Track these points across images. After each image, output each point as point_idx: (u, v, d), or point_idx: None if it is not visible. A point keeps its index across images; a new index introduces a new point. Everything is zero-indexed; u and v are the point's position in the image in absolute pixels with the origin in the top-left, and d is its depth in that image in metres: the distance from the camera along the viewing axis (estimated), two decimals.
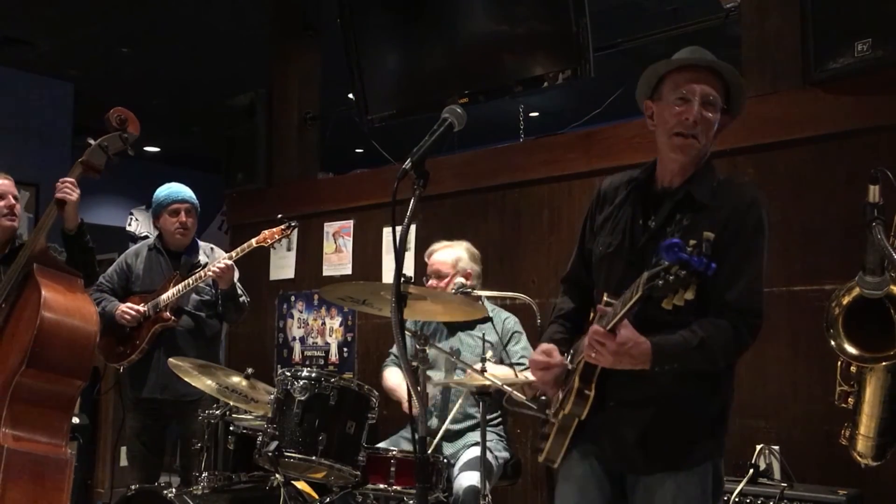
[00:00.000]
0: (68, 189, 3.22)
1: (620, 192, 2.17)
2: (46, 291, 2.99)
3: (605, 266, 2.14)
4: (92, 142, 3.27)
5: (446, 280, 3.49)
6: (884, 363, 2.32)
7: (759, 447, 3.22)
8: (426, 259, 3.62)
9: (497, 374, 2.97)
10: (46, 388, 2.95)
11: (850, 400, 2.48)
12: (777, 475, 3.18)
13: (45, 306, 2.95)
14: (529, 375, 3.03)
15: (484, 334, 3.32)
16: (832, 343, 2.37)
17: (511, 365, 3.35)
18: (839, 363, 2.46)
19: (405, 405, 3.06)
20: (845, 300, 2.37)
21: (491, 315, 3.49)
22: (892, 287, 2.24)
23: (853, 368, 2.43)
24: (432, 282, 3.52)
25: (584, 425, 2.10)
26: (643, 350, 1.88)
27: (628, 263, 2.06)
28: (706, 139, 2.05)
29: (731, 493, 2.93)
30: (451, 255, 3.55)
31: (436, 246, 3.63)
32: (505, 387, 2.95)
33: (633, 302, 1.81)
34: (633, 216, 2.11)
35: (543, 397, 2.24)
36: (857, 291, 2.35)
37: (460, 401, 3.34)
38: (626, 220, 2.11)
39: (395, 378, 3.58)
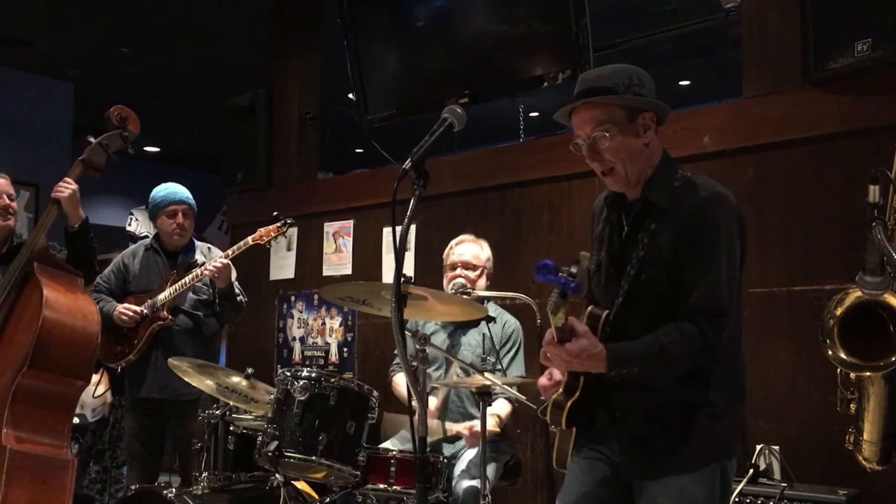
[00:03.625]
0: (61, 186, 3.20)
1: (605, 209, 2.23)
2: (48, 291, 2.96)
3: (595, 281, 2.20)
4: (92, 140, 3.25)
5: (477, 273, 3.48)
6: (880, 372, 2.33)
7: (759, 447, 3.22)
8: (452, 249, 3.58)
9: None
10: (48, 389, 2.92)
11: (852, 406, 2.48)
12: (777, 475, 3.18)
13: (46, 306, 2.91)
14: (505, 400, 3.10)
15: (484, 335, 3.33)
16: (829, 353, 2.37)
17: (499, 371, 3.35)
18: (839, 370, 2.47)
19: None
20: (838, 311, 2.37)
21: (495, 315, 3.49)
22: (886, 296, 2.25)
23: (853, 376, 2.44)
24: (459, 271, 3.47)
25: (592, 430, 2.13)
26: (597, 357, 1.93)
27: (608, 275, 2.12)
28: (622, 159, 2.04)
29: (732, 494, 2.93)
30: (483, 251, 3.56)
31: (463, 237, 3.62)
32: (505, 388, 2.96)
33: (554, 319, 1.89)
34: (611, 230, 2.17)
35: (553, 429, 2.26)
36: (849, 301, 2.36)
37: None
38: (606, 236, 2.18)
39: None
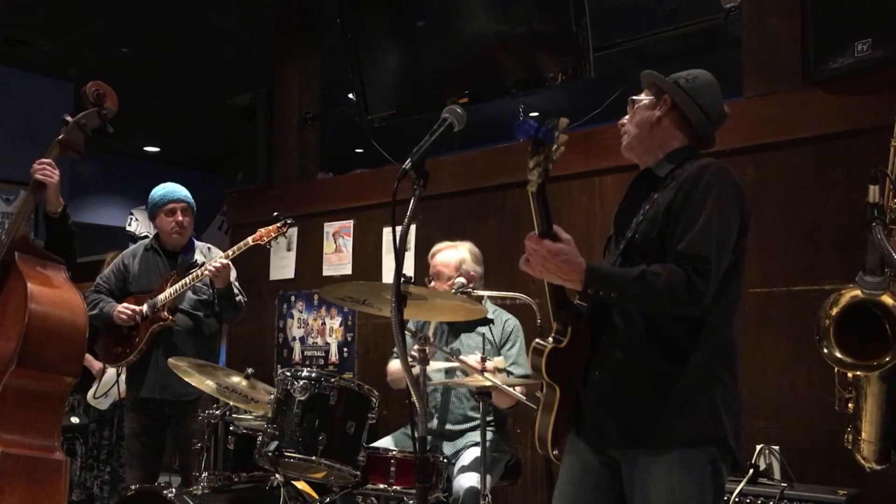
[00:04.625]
0: (48, 171, 3.07)
1: None
2: (32, 283, 2.78)
3: (606, 250, 2.28)
4: (69, 119, 3.12)
5: (448, 283, 3.45)
6: (876, 371, 2.33)
7: (759, 447, 3.22)
8: (429, 259, 3.59)
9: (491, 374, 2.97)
10: (36, 388, 2.77)
11: (850, 405, 2.48)
12: (777, 475, 3.18)
13: (32, 299, 2.74)
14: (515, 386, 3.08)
15: (484, 335, 3.32)
16: (825, 352, 2.38)
17: (503, 369, 3.35)
18: (836, 370, 2.47)
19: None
20: (834, 311, 2.38)
21: (492, 316, 3.49)
22: (882, 296, 2.25)
23: (850, 375, 2.44)
24: (434, 283, 3.49)
25: (569, 405, 2.12)
26: (576, 267, 1.95)
27: (616, 243, 2.19)
28: (632, 123, 2.24)
29: (731, 493, 2.93)
30: (455, 256, 3.51)
31: (439, 246, 3.59)
32: (504, 387, 2.96)
33: (530, 176, 1.94)
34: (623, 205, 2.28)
35: (538, 394, 2.25)
36: (844, 301, 2.36)
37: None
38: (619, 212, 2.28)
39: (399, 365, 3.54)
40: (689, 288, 1.92)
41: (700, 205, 2.00)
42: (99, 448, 5.19)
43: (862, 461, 2.52)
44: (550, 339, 2.12)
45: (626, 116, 2.28)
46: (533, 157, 1.90)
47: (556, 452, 2.17)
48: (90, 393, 4.81)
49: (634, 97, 2.27)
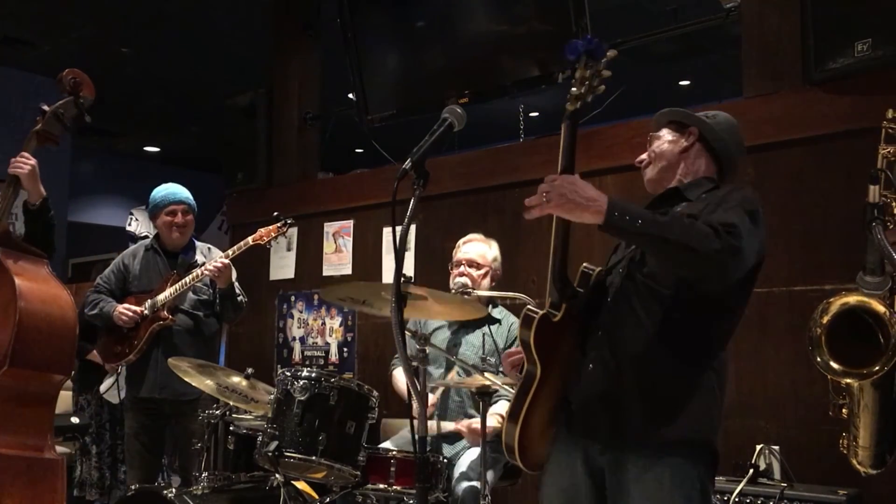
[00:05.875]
0: (18, 162, 3.03)
1: None
2: (20, 280, 2.70)
3: (613, 254, 2.28)
4: (46, 108, 3.06)
5: (482, 273, 3.47)
6: (867, 379, 2.33)
7: (759, 447, 3.22)
8: (461, 244, 3.57)
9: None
10: (29, 388, 2.71)
11: (844, 411, 2.48)
12: (777, 475, 3.18)
13: (21, 297, 2.65)
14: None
15: (486, 335, 3.32)
16: (818, 360, 2.37)
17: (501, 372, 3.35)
18: (830, 377, 2.47)
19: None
20: (825, 319, 2.37)
21: (499, 316, 3.49)
22: (872, 302, 2.25)
23: (843, 382, 2.44)
24: (463, 269, 3.46)
25: (549, 398, 2.08)
26: (597, 193, 1.86)
27: (626, 245, 2.18)
28: (656, 154, 2.24)
29: (732, 493, 2.93)
30: (490, 251, 3.54)
31: (472, 236, 3.61)
32: (505, 388, 2.96)
33: (564, 134, 1.95)
34: None
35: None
36: (834, 309, 2.36)
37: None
38: None
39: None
40: (721, 241, 1.82)
41: (732, 204, 1.96)
42: (114, 447, 5.16)
43: (858, 466, 2.51)
44: (545, 310, 2.07)
45: (644, 154, 2.28)
46: (579, 72, 1.88)
47: (524, 459, 2.06)
48: (102, 386, 4.79)
49: (653, 133, 2.27)
